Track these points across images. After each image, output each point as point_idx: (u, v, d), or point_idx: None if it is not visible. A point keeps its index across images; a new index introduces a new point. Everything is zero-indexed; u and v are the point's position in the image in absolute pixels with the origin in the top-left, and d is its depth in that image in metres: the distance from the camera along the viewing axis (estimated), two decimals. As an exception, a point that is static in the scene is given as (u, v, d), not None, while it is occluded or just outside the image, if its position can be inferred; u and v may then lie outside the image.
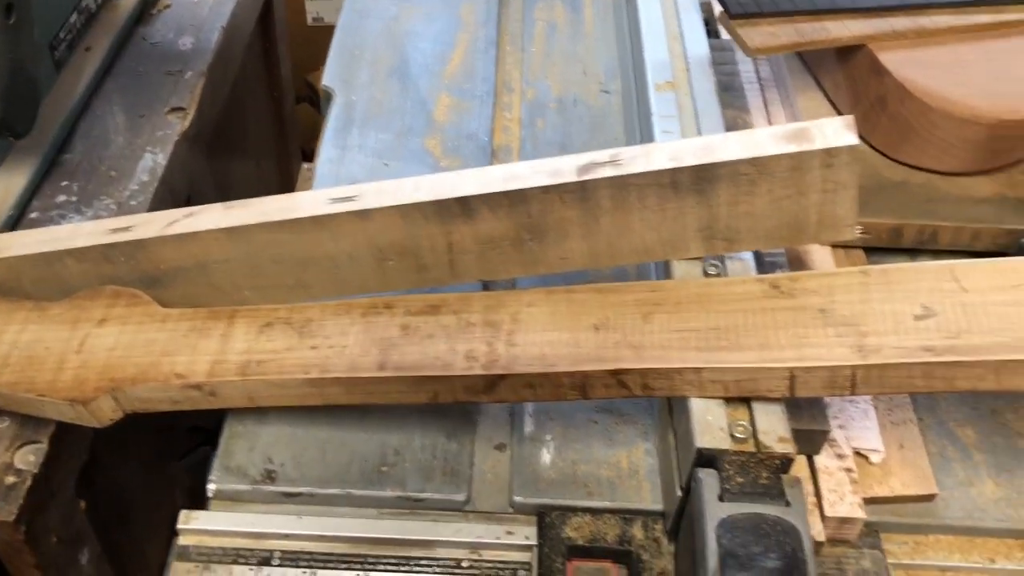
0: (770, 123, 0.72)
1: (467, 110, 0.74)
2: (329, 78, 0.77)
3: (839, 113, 0.70)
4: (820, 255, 0.63)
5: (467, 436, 0.54)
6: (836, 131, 0.47)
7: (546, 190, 0.50)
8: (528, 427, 0.54)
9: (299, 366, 0.49)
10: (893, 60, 0.65)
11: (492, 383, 0.47)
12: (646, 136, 0.64)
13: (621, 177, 0.49)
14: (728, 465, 0.44)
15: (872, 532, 0.51)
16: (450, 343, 0.48)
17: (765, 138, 0.48)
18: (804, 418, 0.50)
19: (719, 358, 0.45)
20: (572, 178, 0.50)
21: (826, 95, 0.72)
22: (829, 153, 0.47)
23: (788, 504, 0.43)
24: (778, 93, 0.74)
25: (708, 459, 0.45)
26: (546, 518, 0.50)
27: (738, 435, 0.45)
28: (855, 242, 0.64)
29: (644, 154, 0.50)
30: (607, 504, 0.51)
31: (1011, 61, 0.66)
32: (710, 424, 0.46)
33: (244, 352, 0.50)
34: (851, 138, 0.47)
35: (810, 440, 0.51)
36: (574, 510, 0.50)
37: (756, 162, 0.48)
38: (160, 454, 0.78)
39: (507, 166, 0.52)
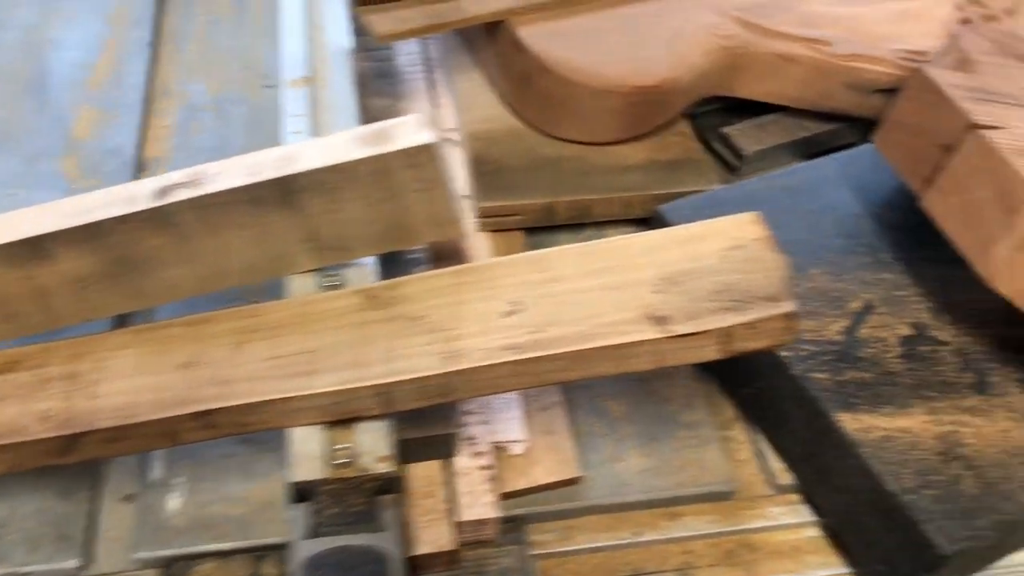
0: (434, 107, 0.70)
1: (112, 122, 0.69)
2: (-50, 102, 0.69)
3: (499, 92, 0.69)
4: (476, 243, 0.62)
5: (87, 492, 0.50)
6: (413, 130, 0.46)
7: (122, 220, 0.46)
8: (156, 472, 0.50)
9: None
10: (532, 34, 0.64)
11: (70, 443, 0.43)
12: (278, 139, 0.60)
13: (200, 198, 0.46)
14: (322, 496, 0.42)
15: (517, 526, 0.51)
16: (24, 404, 0.44)
17: (344, 143, 0.46)
18: (430, 423, 0.49)
19: (307, 384, 0.43)
20: (148, 204, 0.46)
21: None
22: (408, 153, 0.45)
23: (383, 529, 0.41)
24: (444, 75, 0.72)
25: (303, 493, 0.42)
26: (171, 570, 0.47)
27: (340, 460, 0.43)
28: (510, 224, 0.63)
29: (224, 170, 0.47)
30: (237, 544, 0.48)
31: (649, 27, 0.67)
32: (307, 454, 0.43)
33: None
34: (427, 136, 0.45)
35: (441, 445, 0.49)
36: (200, 556, 0.47)
37: (337, 169, 0.46)
38: None
39: (80, 197, 0.47)
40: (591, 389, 0.57)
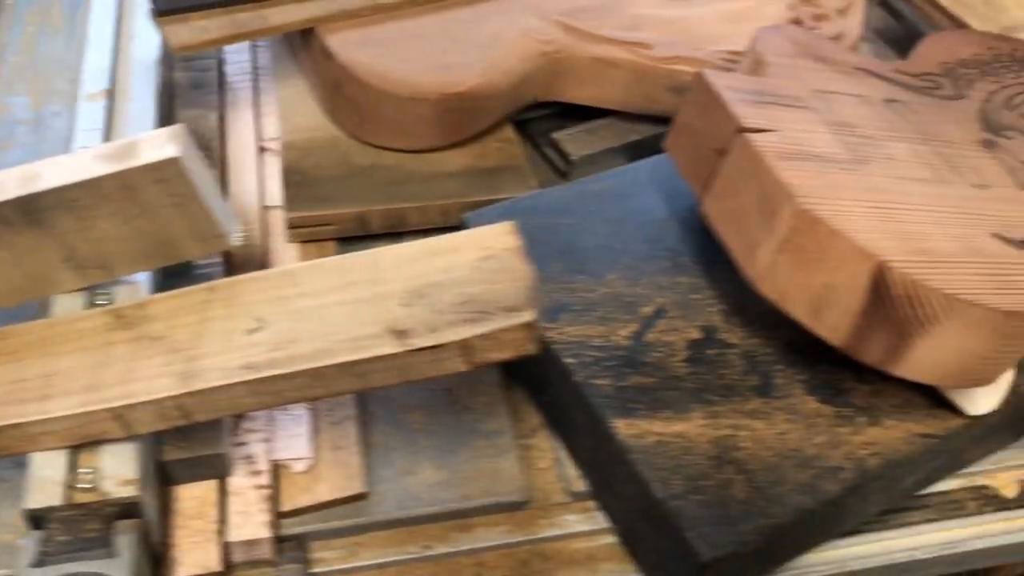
0: (257, 116, 0.69)
1: (-78, 139, 0.67)
2: None
3: (318, 101, 0.68)
4: (285, 254, 0.61)
5: None
6: (159, 144, 0.45)
7: None
8: (-80, 501, 0.49)
9: None
10: (339, 42, 0.63)
11: None
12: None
13: (-57, 220, 0.45)
14: (55, 523, 0.41)
15: (300, 545, 0.50)
16: None
17: (89, 159, 0.45)
18: (197, 443, 0.47)
19: (42, 408, 0.42)
20: None
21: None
22: (154, 168, 0.44)
23: (116, 555, 0.40)
24: (271, 84, 0.71)
25: (38, 519, 0.41)
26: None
27: (82, 485, 0.42)
28: (324, 234, 0.63)
29: (-31, 190, 0.45)
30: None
31: (465, 32, 0.66)
32: (45, 479, 0.42)
33: None
34: (172, 150, 0.44)
35: (210, 465, 0.48)
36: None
37: (82, 186, 0.44)
38: None
39: None
40: (391, 401, 0.56)
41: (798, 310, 0.47)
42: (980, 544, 0.56)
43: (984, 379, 0.48)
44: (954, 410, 0.50)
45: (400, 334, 0.41)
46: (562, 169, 0.70)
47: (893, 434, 0.50)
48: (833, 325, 0.46)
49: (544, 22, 0.68)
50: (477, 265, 0.43)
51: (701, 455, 0.48)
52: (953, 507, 0.57)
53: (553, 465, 0.55)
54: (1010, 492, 0.59)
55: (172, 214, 0.46)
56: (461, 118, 0.64)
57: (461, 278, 0.43)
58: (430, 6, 0.67)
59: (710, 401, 0.50)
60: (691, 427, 0.49)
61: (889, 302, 0.44)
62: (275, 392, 0.42)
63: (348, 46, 0.63)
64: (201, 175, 0.46)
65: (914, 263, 0.43)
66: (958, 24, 0.90)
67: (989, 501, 0.58)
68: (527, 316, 0.41)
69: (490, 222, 0.57)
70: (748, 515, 0.46)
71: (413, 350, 0.41)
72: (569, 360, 0.51)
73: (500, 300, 0.42)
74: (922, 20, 0.91)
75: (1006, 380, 0.52)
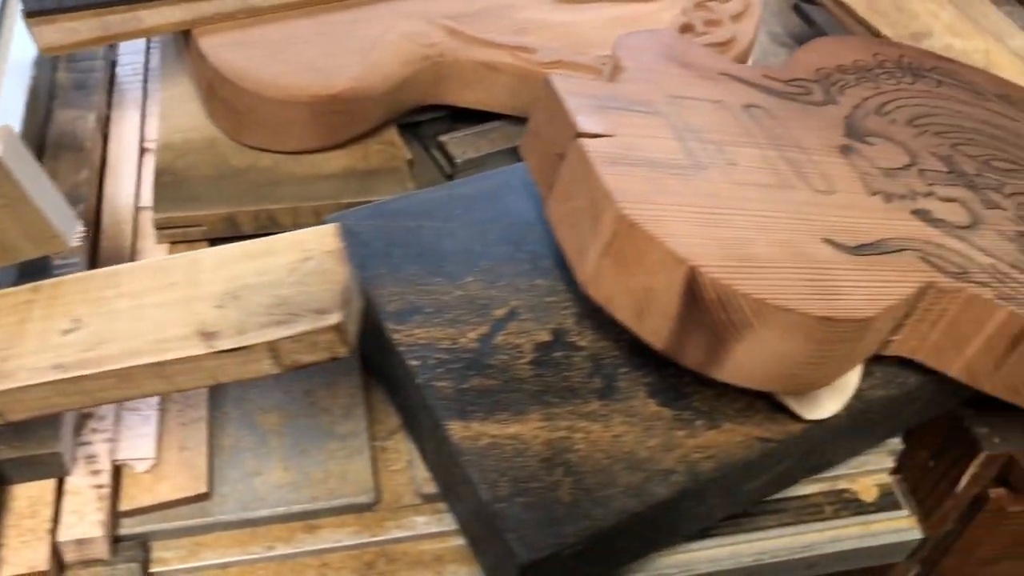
0: (143, 118, 0.70)
1: None
2: None
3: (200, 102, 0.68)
4: (154, 255, 0.61)
5: None
6: (-22, 145, 0.45)
7: None
8: None
9: None
10: (213, 44, 0.63)
11: None
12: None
13: None
14: None
15: (141, 544, 0.50)
16: None
17: (-85, 160, 0.45)
18: (30, 443, 0.48)
19: None
20: None
21: (198, 82, 0.70)
22: (-25, 168, 0.44)
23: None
24: (158, 85, 0.71)
25: None
26: None
27: None
28: (194, 235, 0.63)
29: None
30: None
31: (344, 35, 0.66)
32: None
33: None
34: (-9, 151, 0.44)
35: (46, 464, 0.49)
36: None
37: (-93, 186, 0.45)
38: None
39: None
40: (248, 403, 0.56)
41: (623, 314, 0.47)
42: (833, 548, 0.57)
43: (812, 384, 0.48)
44: (794, 415, 0.51)
45: (208, 336, 0.42)
46: (448, 172, 0.70)
47: (731, 438, 0.50)
48: (655, 329, 0.46)
49: (428, 25, 0.68)
50: (294, 267, 0.43)
51: (533, 457, 0.48)
52: (811, 511, 0.58)
53: (407, 467, 0.55)
54: (869, 496, 0.59)
55: (2, 215, 0.46)
56: (337, 121, 0.64)
57: (276, 280, 0.43)
58: (309, 9, 0.67)
59: (549, 403, 0.50)
60: (526, 429, 0.49)
61: (703, 307, 0.44)
62: (85, 392, 0.42)
63: (221, 48, 0.63)
64: (32, 176, 0.46)
65: (728, 268, 0.44)
66: (870, 30, 0.90)
67: (847, 505, 0.58)
68: (335, 318, 0.41)
69: (351, 223, 0.58)
70: (572, 518, 0.46)
71: (220, 351, 0.41)
72: (413, 362, 0.51)
73: (311, 302, 0.42)
74: (835, 25, 0.92)
75: (850, 384, 0.52)
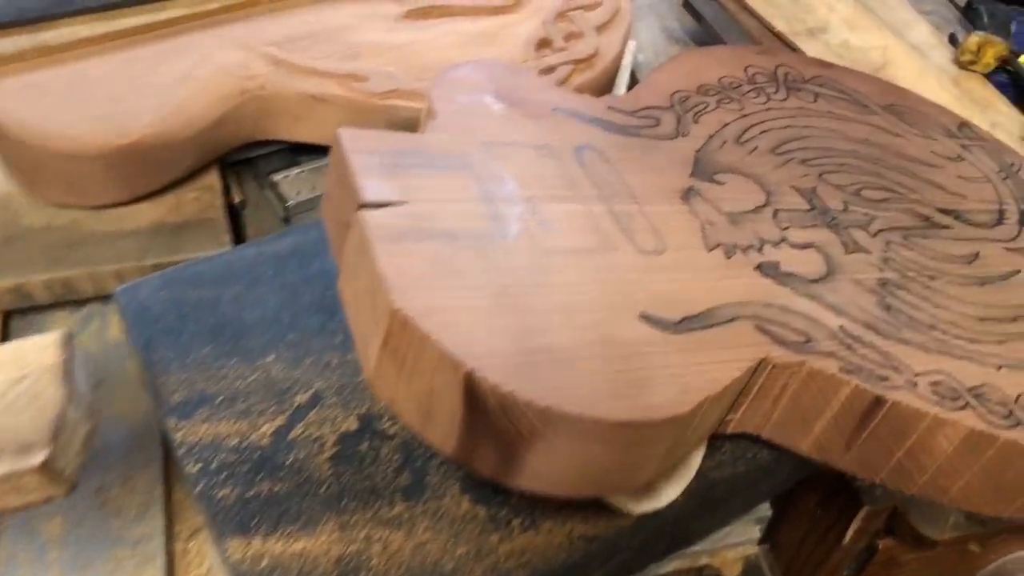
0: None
1: None
2: None
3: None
4: (-69, 335, 0.55)
5: None
6: None
7: None
8: None
9: None
10: (2, 88, 0.56)
11: None
12: None
13: None
14: None
15: None
16: None
17: None
18: None
19: None
20: None
21: None
22: None
23: None
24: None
25: None
26: None
27: None
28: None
29: None
30: None
31: (146, 74, 0.59)
32: None
33: None
34: None
35: None
36: None
37: None
38: None
39: None
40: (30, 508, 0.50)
41: (408, 417, 0.41)
42: (688, 633, 0.51)
43: (630, 485, 0.42)
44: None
45: None
46: (281, 215, 0.64)
47: (550, 540, 0.44)
48: (442, 435, 0.40)
49: (249, 54, 0.61)
50: (7, 390, 0.37)
51: (321, 577, 0.42)
52: (667, 592, 0.53)
53: (207, 573, 0.50)
54: (732, 572, 0.54)
55: None
56: (136, 171, 0.57)
57: (-14, 406, 0.37)
58: (112, 43, 0.60)
59: (347, 509, 0.45)
60: (316, 544, 0.43)
61: (487, 413, 0.38)
62: None
63: (4, 95, 0.56)
64: None
65: (513, 368, 0.38)
66: (764, 25, 0.84)
67: (707, 583, 0.53)
68: (39, 457, 0.35)
69: (143, 296, 0.51)
70: (359, 650, 0.40)
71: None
72: (191, 467, 0.45)
73: (16, 437, 0.36)
74: (727, 21, 0.85)
75: (690, 467, 0.47)
